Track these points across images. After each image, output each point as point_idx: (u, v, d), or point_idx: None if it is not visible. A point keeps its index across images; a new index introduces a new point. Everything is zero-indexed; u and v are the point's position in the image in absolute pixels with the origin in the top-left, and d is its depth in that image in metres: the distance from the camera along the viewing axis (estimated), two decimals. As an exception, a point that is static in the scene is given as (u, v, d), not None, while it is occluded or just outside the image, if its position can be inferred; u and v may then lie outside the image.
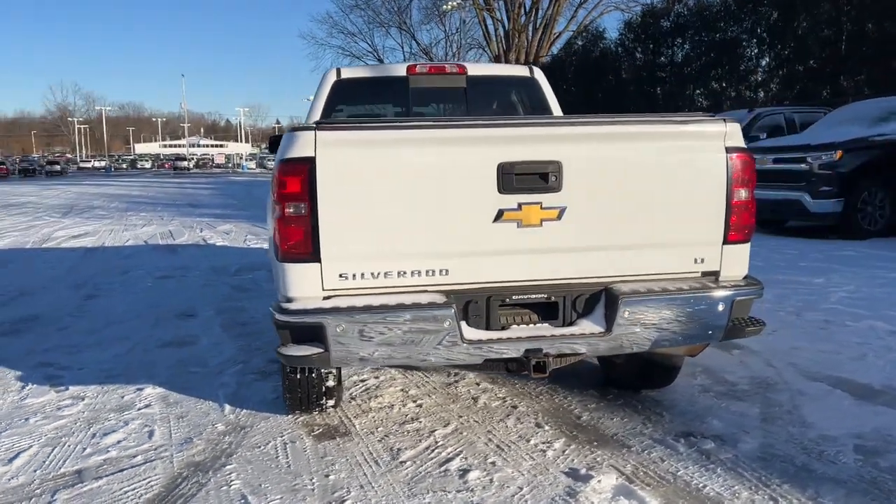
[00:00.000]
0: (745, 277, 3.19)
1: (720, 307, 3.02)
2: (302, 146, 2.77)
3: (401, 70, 4.98)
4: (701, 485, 2.96)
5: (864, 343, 4.84)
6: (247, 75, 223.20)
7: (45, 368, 4.82)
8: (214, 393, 4.20)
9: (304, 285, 2.84)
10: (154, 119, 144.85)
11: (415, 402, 4.00)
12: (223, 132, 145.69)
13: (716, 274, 3.13)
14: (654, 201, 3.02)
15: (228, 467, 3.23)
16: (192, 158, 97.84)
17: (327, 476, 3.11)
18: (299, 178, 2.76)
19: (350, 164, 2.80)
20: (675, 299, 2.97)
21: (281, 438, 3.54)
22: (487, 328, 2.99)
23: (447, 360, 2.94)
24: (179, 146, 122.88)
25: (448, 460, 3.23)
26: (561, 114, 5.10)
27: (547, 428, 3.57)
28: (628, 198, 3.00)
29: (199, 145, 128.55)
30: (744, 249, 3.15)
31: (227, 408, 3.98)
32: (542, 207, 2.90)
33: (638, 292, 2.95)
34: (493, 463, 3.19)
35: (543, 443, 3.39)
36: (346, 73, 5.02)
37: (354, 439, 3.50)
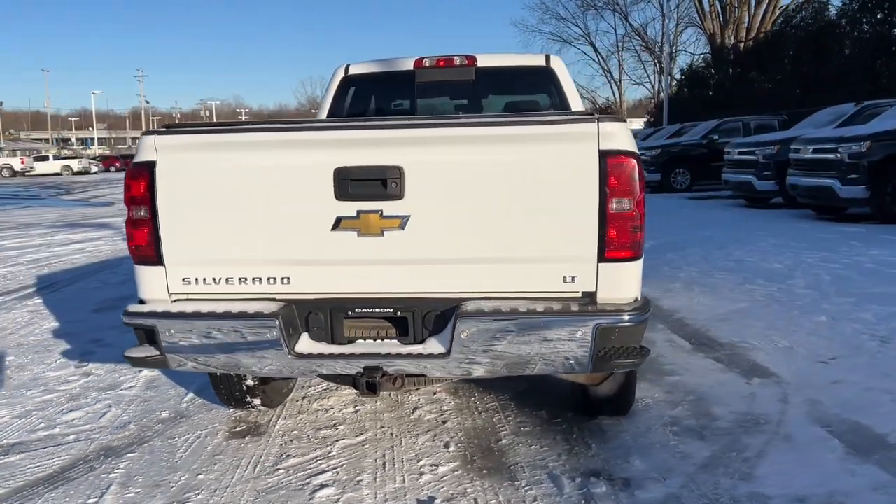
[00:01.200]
0: (635, 301, 2.74)
1: (579, 334, 2.62)
2: (145, 150, 2.81)
3: (408, 64, 4.85)
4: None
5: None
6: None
7: (91, 345, 5.33)
8: (192, 381, 4.40)
9: (152, 288, 2.89)
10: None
11: (355, 407, 3.92)
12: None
13: (591, 295, 2.72)
14: (512, 211, 2.69)
15: (128, 456, 3.38)
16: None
17: (198, 475, 3.15)
18: (142, 182, 2.80)
19: (189, 168, 2.79)
20: (523, 323, 2.62)
21: (202, 432, 3.64)
22: (332, 341, 2.85)
23: (278, 371, 2.85)
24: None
25: (319, 474, 3.13)
26: (581, 107, 4.69)
27: (452, 449, 3.34)
28: (483, 207, 2.69)
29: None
30: (628, 269, 2.71)
31: (189, 397, 4.15)
32: (382, 216, 2.69)
33: (481, 312, 2.65)
34: (359, 482, 3.05)
35: (431, 465, 3.18)
36: (355, 69, 4.99)
37: (260, 441, 3.50)
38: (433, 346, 2.72)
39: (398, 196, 2.67)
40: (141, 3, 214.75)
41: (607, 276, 2.69)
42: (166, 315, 2.77)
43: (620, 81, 50.06)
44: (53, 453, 3.43)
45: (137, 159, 2.82)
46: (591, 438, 3.40)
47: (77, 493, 3.01)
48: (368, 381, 2.75)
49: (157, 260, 2.84)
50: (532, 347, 2.63)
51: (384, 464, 3.20)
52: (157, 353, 2.83)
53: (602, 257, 2.66)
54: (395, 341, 2.82)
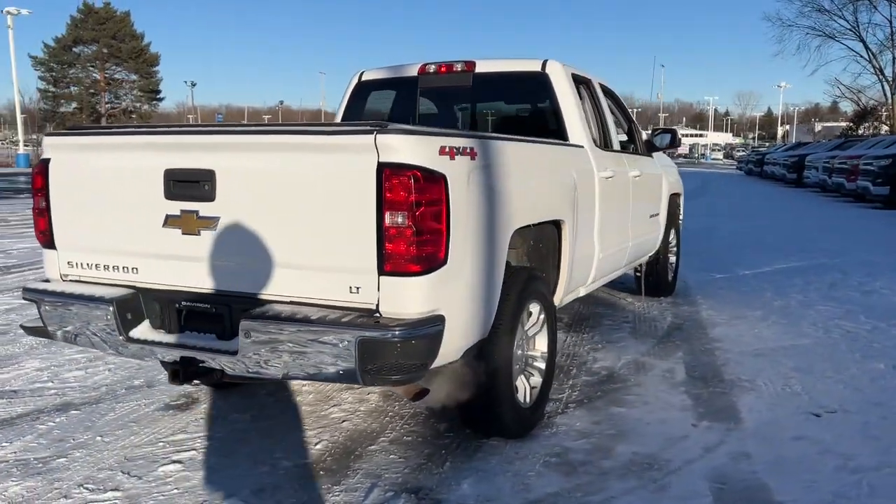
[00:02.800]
0: (419, 316, 2.67)
1: (343, 345, 2.62)
2: (44, 149, 3.28)
3: (413, 70, 4.95)
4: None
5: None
6: (732, 61, 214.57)
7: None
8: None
9: (50, 269, 3.35)
10: (632, 109, 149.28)
11: (279, 396, 4.13)
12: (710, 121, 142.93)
13: (374, 308, 2.70)
14: (304, 219, 2.75)
15: (71, 412, 3.89)
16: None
17: (98, 436, 3.57)
18: (40, 177, 3.27)
19: (69, 167, 3.20)
20: (296, 329, 2.68)
21: (147, 401, 4.07)
22: (168, 331, 3.11)
23: (116, 352, 3.13)
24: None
25: (186, 451, 3.40)
26: (576, 113, 4.49)
27: (318, 447, 3.43)
28: (280, 213, 2.79)
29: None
30: (412, 283, 2.64)
31: (173, 369, 4.63)
32: (198, 216, 2.90)
33: (263, 315, 2.75)
34: (208, 464, 3.27)
35: (284, 457, 3.31)
36: (367, 75, 5.18)
37: (176, 415, 3.86)
38: (230, 343, 2.86)
39: (211, 198, 2.85)
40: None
41: (389, 289, 2.65)
42: (41, 292, 3.19)
43: (894, 80, 44.17)
44: (27, 402, 4.04)
45: (42, 156, 3.28)
46: (456, 456, 3.31)
47: (4, 436, 3.54)
48: (175, 372, 2.95)
49: (52, 245, 3.28)
50: (307, 354, 2.67)
51: (250, 453, 3.37)
52: (42, 324, 3.27)
53: (382, 270, 2.63)
54: (213, 336, 2.99)
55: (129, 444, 3.46)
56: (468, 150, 2.87)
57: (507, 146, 3.23)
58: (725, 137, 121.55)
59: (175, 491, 2.99)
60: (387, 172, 2.56)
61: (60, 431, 3.61)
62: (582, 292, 4.58)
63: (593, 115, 4.98)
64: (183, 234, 2.92)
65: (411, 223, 2.58)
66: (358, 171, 2.59)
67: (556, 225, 3.87)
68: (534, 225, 3.60)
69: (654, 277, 6.53)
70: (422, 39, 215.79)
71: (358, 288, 2.68)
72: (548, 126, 4.54)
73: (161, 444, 3.46)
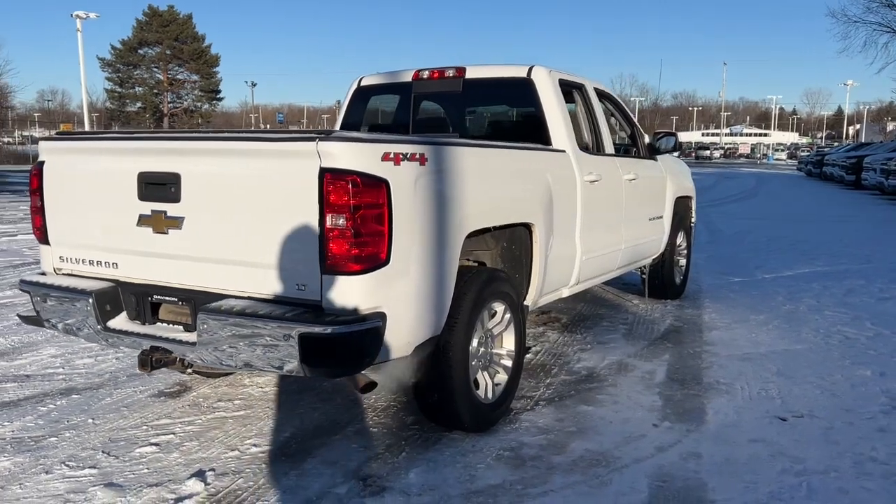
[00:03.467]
0: (366, 313, 2.84)
1: (286, 339, 2.81)
2: (40, 152, 3.57)
3: (408, 76, 5.13)
4: None
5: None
6: (799, 58, 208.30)
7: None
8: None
9: (46, 263, 3.64)
10: (691, 108, 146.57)
11: (266, 388, 4.36)
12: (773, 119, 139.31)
13: (317, 305, 2.89)
14: (257, 220, 2.95)
15: (72, 396, 4.19)
16: (719, 148, 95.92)
17: (90, 419, 3.85)
18: (36, 178, 3.56)
19: (58, 169, 3.48)
20: (244, 323, 2.88)
21: (143, 388, 4.34)
22: (143, 322, 3.35)
23: (96, 341, 3.39)
24: (717, 134, 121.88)
25: (163, 434, 3.65)
26: (560, 119, 4.60)
27: (286, 434, 3.65)
28: (236, 214, 2.99)
29: (741, 133, 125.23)
30: (353, 282, 2.82)
31: (175, 359, 4.92)
32: (166, 216, 3.14)
33: (217, 309, 2.96)
34: (182, 448, 3.52)
35: (253, 444, 3.53)
36: (366, 81, 5.37)
37: (166, 402, 4.12)
38: (192, 336, 3.08)
39: (177, 199, 3.08)
40: None
41: (331, 287, 2.83)
42: (34, 284, 3.48)
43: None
44: (36, 386, 4.36)
45: (38, 160, 3.57)
46: (414, 447, 3.47)
47: (7, 416, 3.85)
48: (143, 360, 3.19)
49: (46, 240, 3.57)
50: (255, 347, 2.87)
51: (224, 438, 3.60)
52: (35, 313, 3.56)
53: (325, 269, 2.81)
54: (181, 328, 3.22)
55: (116, 426, 3.72)
56: (417, 156, 3.03)
57: (464, 152, 3.37)
58: (791, 137, 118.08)
59: (145, 471, 3.23)
60: (328, 177, 2.73)
61: (58, 413, 3.89)
62: (565, 293, 4.67)
63: (585, 119, 5.07)
64: (154, 232, 3.15)
65: (351, 225, 2.75)
66: (302, 175, 2.78)
67: (528, 227, 3.99)
68: (499, 228, 3.73)
69: (659, 280, 6.55)
70: (478, 39, 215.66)
71: (304, 285, 2.87)
72: (532, 131, 4.65)
73: (145, 427, 3.71)
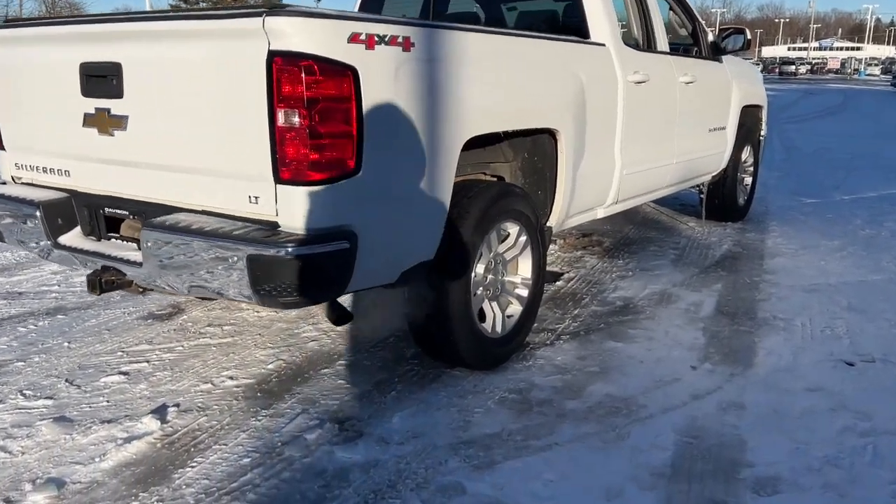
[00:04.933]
0: (330, 232, 2.36)
1: (234, 261, 2.35)
2: None
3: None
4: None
5: None
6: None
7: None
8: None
9: (4, 170, 3.27)
10: (777, 20, 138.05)
11: (262, 314, 3.98)
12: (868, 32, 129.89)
13: (273, 222, 2.41)
14: (204, 119, 2.47)
15: (58, 316, 3.89)
16: (805, 63, 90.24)
17: (67, 342, 3.55)
18: (-13, 76, 3.15)
19: (5, 63, 3.05)
20: (187, 241, 2.44)
21: (133, 309, 4.02)
22: (97, 238, 2.96)
23: (48, 257, 3.02)
24: (805, 49, 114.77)
25: (138, 362, 3.31)
26: (600, 7, 3.91)
27: (270, 366, 3.26)
28: (183, 112, 2.51)
29: (831, 48, 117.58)
30: (312, 194, 2.32)
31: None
32: (109, 115, 2.68)
33: (162, 226, 2.52)
34: (153, 377, 3.17)
35: (230, 377, 3.16)
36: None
37: (153, 325, 3.78)
38: (139, 254, 2.66)
39: (119, 95, 2.62)
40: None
41: (287, 200, 2.35)
42: None
43: None
44: (25, 304, 4.09)
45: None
46: (407, 386, 3.05)
47: (-14, 336, 3.59)
48: (92, 281, 2.80)
49: (3, 146, 3.18)
50: (203, 269, 2.43)
51: (200, 369, 3.24)
52: (-13, 225, 3.20)
53: (279, 178, 2.33)
54: (135, 245, 2.81)
55: (90, 351, 3.40)
56: (399, 40, 2.46)
57: (463, 37, 2.78)
58: (887, 51, 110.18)
59: (104, 404, 2.89)
60: (277, 62, 2.21)
61: (36, 335, 3.60)
62: (600, 214, 4.09)
63: (634, 9, 4.35)
64: (99, 134, 2.72)
65: (307, 123, 2.23)
66: (249, 60, 2.27)
67: (552, 135, 3.40)
68: (515, 135, 3.17)
69: (719, 200, 5.86)
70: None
71: (257, 198, 2.40)
72: (570, 22, 3.99)
73: (120, 353, 3.38)
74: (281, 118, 2.25)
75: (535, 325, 3.58)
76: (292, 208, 2.33)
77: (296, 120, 2.24)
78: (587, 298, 4.12)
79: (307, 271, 2.31)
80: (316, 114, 2.23)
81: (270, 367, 3.22)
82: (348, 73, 2.28)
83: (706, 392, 2.97)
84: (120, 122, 2.64)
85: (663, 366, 3.22)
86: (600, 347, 3.42)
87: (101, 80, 2.64)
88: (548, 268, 4.46)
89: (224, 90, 2.37)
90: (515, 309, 3.29)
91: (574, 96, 3.45)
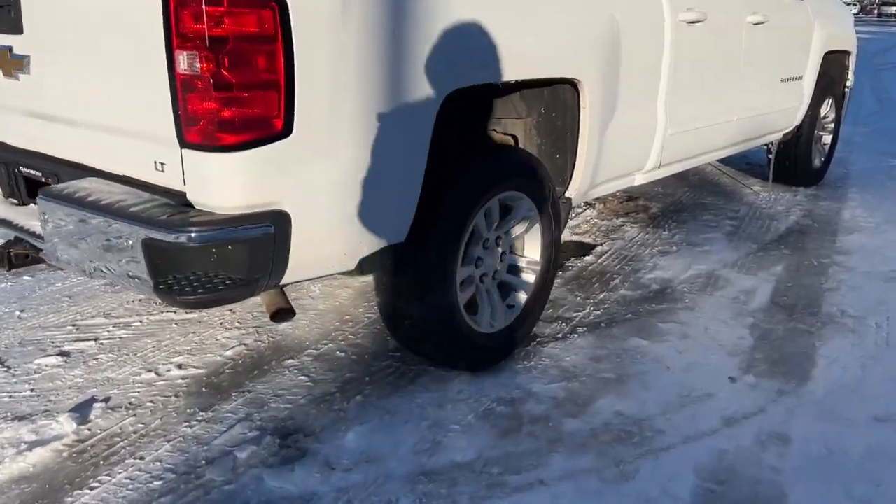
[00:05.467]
0: (251, 212, 1.85)
1: (130, 245, 1.86)
2: None
3: None
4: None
5: None
6: None
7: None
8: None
9: None
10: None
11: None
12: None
13: (182, 194, 1.91)
14: (104, 62, 1.98)
15: (26, 278, 3.54)
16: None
17: (19, 312, 3.18)
18: None
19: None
20: (84, 215, 1.97)
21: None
22: (20, 202, 2.52)
23: None
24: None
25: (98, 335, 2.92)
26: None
27: (248, 342, 2.82)
28: (80, 53, 2.03)
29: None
30: (225, 162, 1.80)
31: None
32: (11, 54, 2.22)
33: (59, 193, 2.06)
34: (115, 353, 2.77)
35: (221, 345, 2.73)
36: None
37: (106, 294, 3.39)
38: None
39: (19, 30, 2.14)
40: None
41: (195, 169, 1.84)
42: None
43: None
44: None
45: None
46: (379, 387, 2.56)
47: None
48: (5, 254, 2.37)
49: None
50: (108, 252, 1.96)
51: (149, 354, 2.83)
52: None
53: (184, 141, 1.81)
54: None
55: (39, 323, 3.02)
56: (349, -38, 1.88)
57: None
58: None
59: (27, 393, 2.51)
60: (178, -11, 1.67)
61: (-14, 299, 3.24)
62: (639, 180, 3.45)
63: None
64: (4, 77, 2.25)
65: (213, 70, 1.70)
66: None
67: (574, 86, 2.77)
68: (525, 86, 2.57)
69: (790, 161, 5.09)
70: None
71: (163, 164, 1.90)
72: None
73: (70, 327, 2.99)
74: (182, 63, 1.72)
75: (549, 311, 3.03)
76: (201, 180, 1.82)
77: (198, 66, 1.70)
78: (617, 279, 3.52)
79: (216, 263, 1.81)
80: (225, 57, 1.70)
81: (228, 353, 2.77)
82: (271, 3, 1.72)
83: (744, 416, 2.38)
84: (22, 63, 2.17)
85: (695, 375, 2.63)
86: (621, 346, 2.84)
87: (2, 10, 2.15)
88: (579, 238, 3.88)
89: (123, 28, 1.87)
90: (518, 298, 2.74)
91: (603, 39, 2.80)
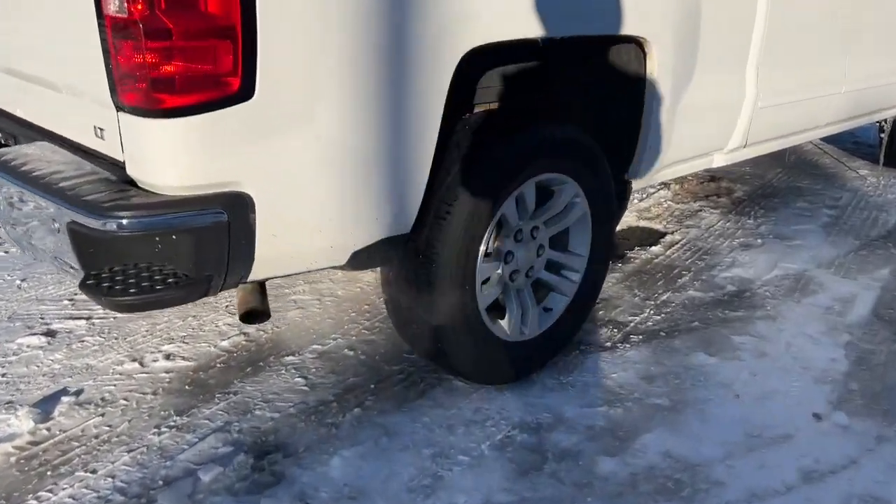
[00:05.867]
0: (202, 194, 1.48)
1: (57, 229, 1.53)
2: None
3: None
4: None
5: None
6: None
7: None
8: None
9: None
10: None
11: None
12: None
13: (122, 165, 1.56)
14: (52, 8, 1.64)
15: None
16: None
17: (24, 280, 2.97)
18: None
19: None
20: (19, 190, 1.65)
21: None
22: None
23: None
24: None
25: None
26: None
27: (233, 337, 2.50)
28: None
29: None
30: (166, 129, 1.43)
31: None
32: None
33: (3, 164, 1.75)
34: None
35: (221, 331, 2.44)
36: None
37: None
38: None
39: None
40: None
41: (133, 137, 1.48)
42: None
43: None
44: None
45: None
46: (381, 400, 2.19)
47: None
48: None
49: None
50: (35, 232, 1.64)
51: (142, 340, 2.54)
52: None
53: (119, 103, 1.45)
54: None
55: (36, 296, 2.79)
56: None
57: None
58: None
59: (-3, 379, 2.23)
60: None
61: (-2, 266, 3.03)
62: (718, 161, 2.92)
63: None
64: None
65: (147, 14, 1.31)
66: None
67: (640, 45, 2.27)
68: (572, 45, 2.09)
69: (906, 143, 4.39)
70: None
71: (102, 130, 1.54)
72: None
73: (67, 302, 2.74)
74: (111, 4, 1.33)
75: (600, 310, 2.59)
76: (139, 151, 1.46)
77: (127, 7, 1.31)
78: (687, 276, 3.01)
79: (160, 256, 1.44)
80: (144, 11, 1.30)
81: (225, 344, 2.45)
82: (218, -73, 1.32)
83: (830, 469, 1.88)
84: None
85: (770, 407, 2.14)
86: (682, 362, 2.36)
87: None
88: (647, 224, 3.38)
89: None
90: (557, 302, 2.29)
91: (678, -12, 2.27)
